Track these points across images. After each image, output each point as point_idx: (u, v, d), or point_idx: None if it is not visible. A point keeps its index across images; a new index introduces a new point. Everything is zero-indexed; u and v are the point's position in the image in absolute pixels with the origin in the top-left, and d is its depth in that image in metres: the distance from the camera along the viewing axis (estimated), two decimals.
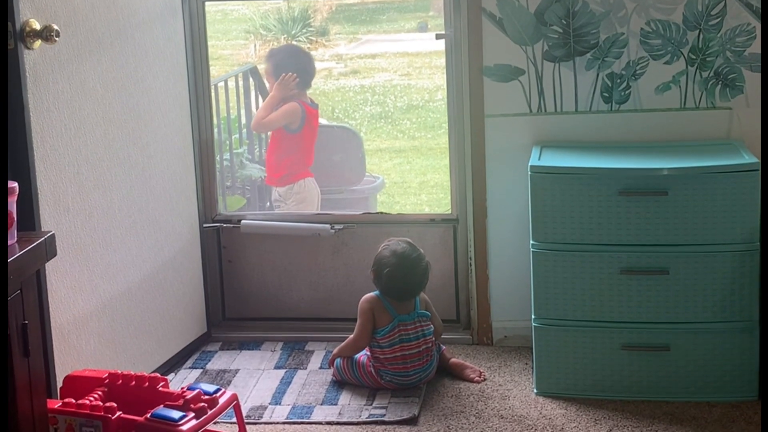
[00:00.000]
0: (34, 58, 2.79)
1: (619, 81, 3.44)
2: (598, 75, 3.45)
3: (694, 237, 3.08)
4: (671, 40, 3.40)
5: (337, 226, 3.80)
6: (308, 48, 9.55)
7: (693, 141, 3.41)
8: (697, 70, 3.41)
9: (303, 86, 4.75)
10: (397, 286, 3.35)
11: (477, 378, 3.40)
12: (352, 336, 3.39)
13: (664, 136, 3.45)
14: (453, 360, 3.47)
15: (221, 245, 3.89)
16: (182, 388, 2.77)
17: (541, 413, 3.16)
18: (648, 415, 3.12)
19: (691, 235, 3.09)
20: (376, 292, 3.39)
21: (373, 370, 3.34)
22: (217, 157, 4.08)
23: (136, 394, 2.80)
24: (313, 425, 3.15)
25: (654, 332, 3.16)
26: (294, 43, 9.62)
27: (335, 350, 3.45)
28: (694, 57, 3.40)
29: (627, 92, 3.45)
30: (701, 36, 3.38)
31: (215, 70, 7.13)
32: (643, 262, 3.12)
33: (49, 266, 2.84)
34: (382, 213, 3.97)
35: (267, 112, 4.72)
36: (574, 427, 3.07)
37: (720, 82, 3.41)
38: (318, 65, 9.97)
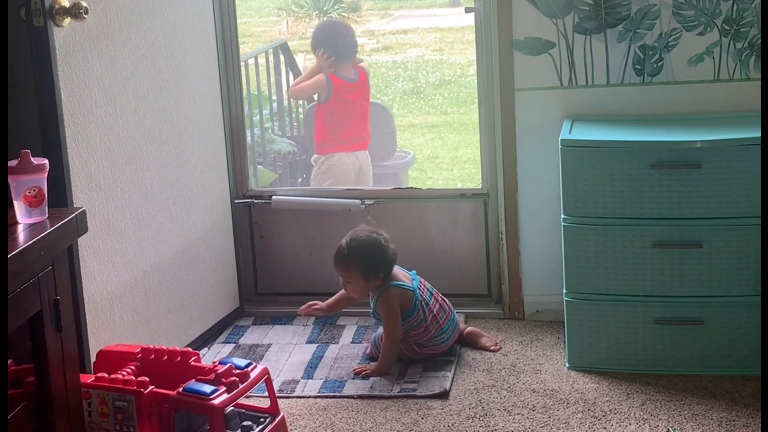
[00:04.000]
0: (63, 36, 2.80)
1: (651, 53, 3.40)
2: (629, 47, 3.41)
3: (728, 210, 3.05)
4: (704, 11, 3.35)
5: (367, 202, 3.80)
6: None
7: (726, 113, 3.37)
8: (731, 41, 3.36)
9: (341, 60, 4.75)
10: (377, 260, 3.32)
11: (493, 347, 3.40)
12: (386, 339, 3.30)
13: (697, 109, 3.41)
14: (468, 329, 3.48)
15: (253, 221, 3.91)
16: (214, 363, 2.79)
17: (573, 387, 3.15)
18: (681, 389, 3.10)
19: (724, 208, 3.05)
20: (394, 283, 3.33)
21: (413, 344, 3.34)
22: (248, 131, 4.08)
23: (168, 369, 2.82)
24: (345, 399, 3.16)
25: (687, 306, 3.13)
26: (336, 17, 9.64)
27: (381, 366, 3.31)
28: (728, 28, 3.35)
29: (659, 64, 3.41)
30: (735, 6, 3.34)
31: (248, 47, 7.13)
32: (676, 235, 3.09)
33: (82, 242, 2.86)
34: (412, 188, 3.96)
35: (302, 80, 4.89)
36: (607, 401, 3.05)
37: (754, 53, 3.36)
38: None
